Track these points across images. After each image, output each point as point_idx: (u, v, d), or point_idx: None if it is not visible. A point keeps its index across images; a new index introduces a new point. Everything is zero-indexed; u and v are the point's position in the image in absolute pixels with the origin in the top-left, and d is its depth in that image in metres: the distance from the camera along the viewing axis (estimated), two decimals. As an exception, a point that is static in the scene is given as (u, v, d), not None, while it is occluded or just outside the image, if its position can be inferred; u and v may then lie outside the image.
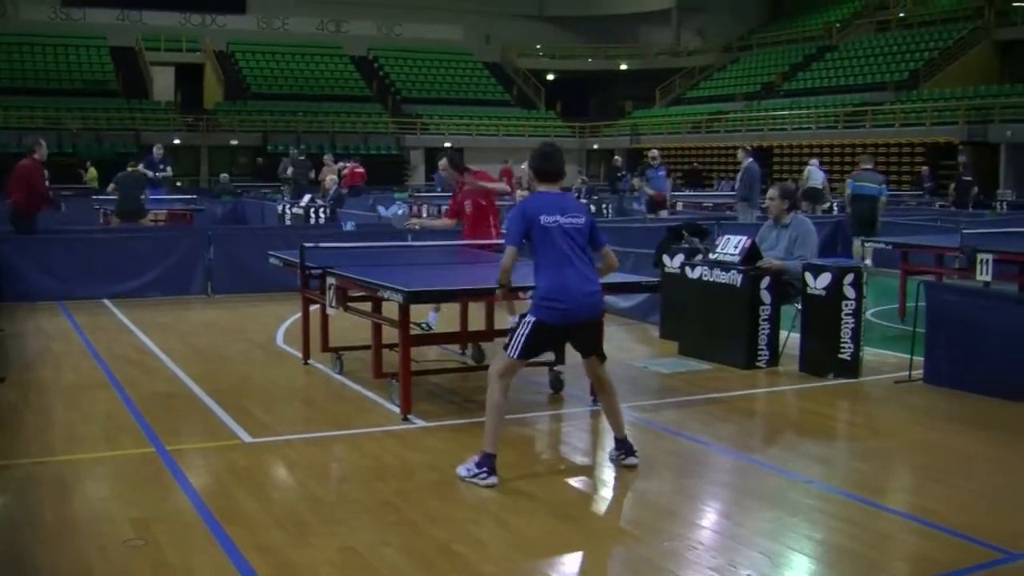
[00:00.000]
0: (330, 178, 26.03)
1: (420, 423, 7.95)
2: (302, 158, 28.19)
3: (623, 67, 57.25)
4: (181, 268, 15.07)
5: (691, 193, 33.13)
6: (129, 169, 20.89)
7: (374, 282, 8.14)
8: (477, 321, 10.50)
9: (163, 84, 50.27)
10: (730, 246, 10.38)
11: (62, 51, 47.35)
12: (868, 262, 14.08)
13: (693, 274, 10.59)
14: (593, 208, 16.90)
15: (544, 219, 6.60)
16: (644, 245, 12.98)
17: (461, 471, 6.56)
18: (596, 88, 59.71)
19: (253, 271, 14.42)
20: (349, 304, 9.00)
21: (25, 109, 41.84)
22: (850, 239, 18.15)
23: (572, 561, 5.47)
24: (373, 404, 8.55)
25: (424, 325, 11.03)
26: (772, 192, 10.77)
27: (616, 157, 39.59)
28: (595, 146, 52.55)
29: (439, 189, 29.73)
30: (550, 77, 58.53)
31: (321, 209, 21.38)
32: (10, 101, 42.24)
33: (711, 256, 10.58)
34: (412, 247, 12.53)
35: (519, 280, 7.21)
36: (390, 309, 8.28)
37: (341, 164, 29.92)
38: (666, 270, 11.21)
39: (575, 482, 6.86)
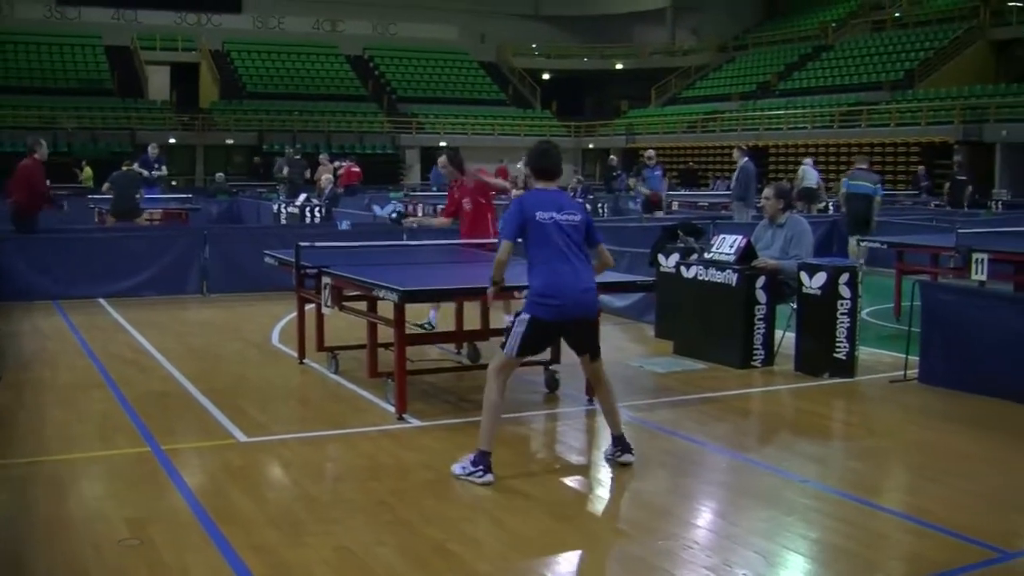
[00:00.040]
0: (325, 177, 26.04)
1: (415, 422, 7.94)
2: (298, 157, 28.16)
3: (618, 66, 57.26)
4: (177, 267, 15.05)
5: (686, 192, 33.13)
6: (124, 168, 20.87)
7: (369, 281, 8.13)
8: (473, 320, 10.51)
9: (158, 83, 50.25)
10: (725, 245, 10.39)
11: (57, 50, 47.29)
12: (861, 261, 14.07)
13: (688, 273, 10.59)
14: (589, 207, 16.85)
15: (540, 215, 6.61)
16: (639, 244, 12.98)
17: (456, 469, 6.56)
18: (592, 87, 59.73)
19: (249, 270, 14.40)
20: (344, 303, 8.99)
21: (20, 108, 41.76)
22: (845, 238, 18.14)
23: (567, 560, 5.47)
24: (368, 403, 8.55)
25: (427, 325, 11.04)
26: (767, 191, 10.78)
27: (611, 157, 39.65)
28: (591, 145, 52.55)
29: (434, 188, 29.71)
30: (545, 76, 58.55)
31: (317, 208, 21.36)
32: (5, 100, 42.16)
33: (706, 255, 10.59)
34: (408, 246, 12.52)
35: (513, 279, 7.21)
36: (385, 308, 8.27)
37: (338, 163, 29.93)
38: (661, 269, 11.22)
39: (570, 481, 6.85)
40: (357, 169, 30.57)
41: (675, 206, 26.17)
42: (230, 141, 45.93)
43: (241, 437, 7.55)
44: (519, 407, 8.36)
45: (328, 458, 7.32)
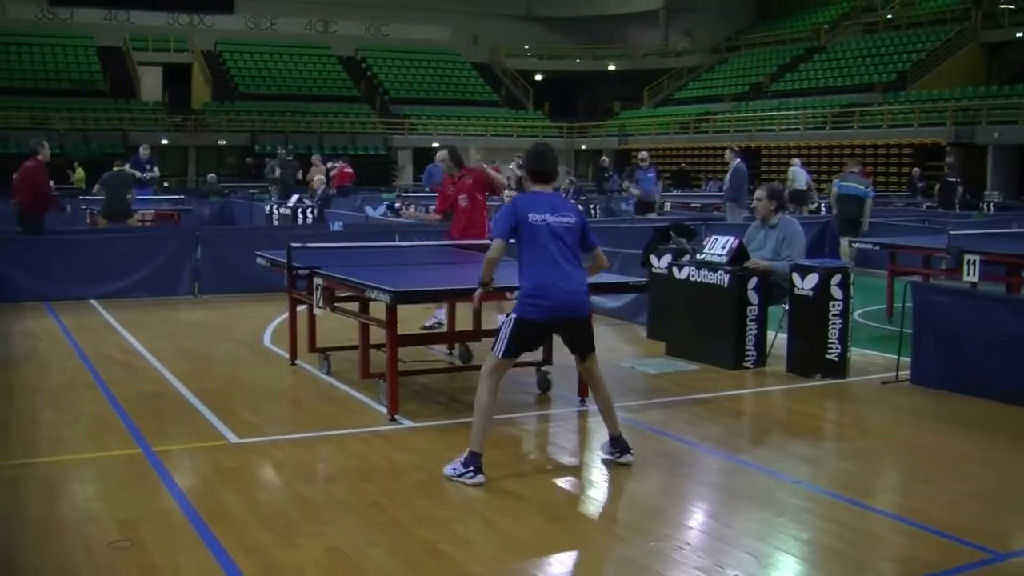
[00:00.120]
0: (318, 178, 25.98)
1: (407, 423, 7.94)
2: (290, 158, 28.14)
3: (611, 68, 57.31)
4: (168, 268, 15.01)
5: (679, 194, 33.17)
6: (115, 169, 20.82)
7: (361, 282, 8.12)
8: (465, 321, 10.51)
9: (151, 84, 50.18)
10: (717, 247, 10.39)
11: (49, 51, 47.23)
12: (851, 262, 14.12)
13: (681, 274, 10.59)
14: (581, 208, 16.94)
15: (533, 217, 6.63)
16: (632, 245, 12.98)
17: (448, 471, 6.56)
18: (584, 89, 59.78)
19: (240, 271, 14.37)
20: (336, 304, 8.98)
21: (12, 109, 41.68)
22: (837, 240, 18.21)
23: (559, 561, 5.47)
24: (360, 404, 8.54)
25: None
26: (760, 193, 10.78)
27: (603, 158, 39.59)
28: (583, 146, 52.60)
29: (427, 189, 29.68)
30: (538, 77, 58.56)
31: (309, 209, 21.35)
32: (-3, 101, 42.20)
33: (698, 256, 10.59)
34: (400, 247, 12.52)
35: (505, 280, 7.20)
36: (377, 309, 8.26)
37: (330, 164, 29.89)
38: (654, 270, 11.21)
39: (562, 482, 6.85)
40: (350, 170, 30.55)
41: (667, 207, 26.18)
42: (222, 142, 45.91)
43: (233, 438, 7.53)
44: (511, 408, 8.35)
45: (320, 459, 7.31)
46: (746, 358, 9.98)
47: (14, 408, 8.41)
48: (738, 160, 20.44)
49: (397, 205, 19.49)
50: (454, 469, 6.52)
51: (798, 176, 24.41)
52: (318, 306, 9.01)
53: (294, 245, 9.60)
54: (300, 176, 27.23)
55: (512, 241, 6.74)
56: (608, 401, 6.98)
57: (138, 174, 23.66)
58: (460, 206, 11.39)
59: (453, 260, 10.68)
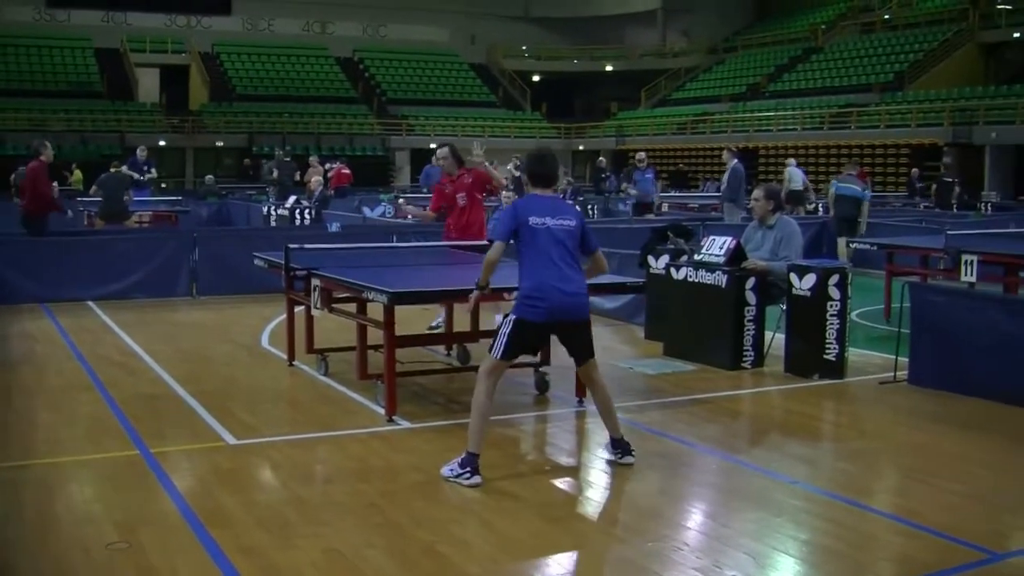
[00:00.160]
0: (315, 179, 26.00)
1: (405, 424, 7.94)
2: (287, 159, 28.14)
3: (609, 68, 57.30)
4: (166, 270, 15.00)
5: (676, 194, 33.18)
6: (112, 170, 20.82)
7: (359, 283, 8.12)
8: (463, 322, 10.50)
9: (148, 85, 50.15)
10: (715, 247, 10.39)
11: (46, 52, 47.21)
12: (849, 262, 14.13)
13: (678, 275, 10.59)
14: (579, 209, 16.96)
15: (533, 220, 6.65)
16: (629, 246, 12.98)
17: (445, 472, 6.56)
18: (581, 89, 59.72)
19: (238, 272, 14.36)
20: (334, 305, 8.98)
21: (9, 111, 41.66)
22: (835, 240, 18.24)
23: (557, 562, 5.46)
24: (358, 405, 8.53)
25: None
26: (757, 193, 10.78)
27: (600, 159, 39.63)
28: (580, 147, 52.59)
29: (425, 189, 29.69)
30: (536, 78, 58.56)
31: (306, 210, 21.35)
32: (-6, 103, 42.18)
33: (696, 257, 10.59)
34: (397, 248, 12.51)
35: (501, 281, 7.20)
36: (375, 310, 8.26)
37: (328, 165, 29.92)
38: (651, 271, 11.22)
39: (560, 483, 6.85)
40: (347, 171, 30.58)
41: (665, 208, 26.18)
42: (220, 143, 45.89)
43: (230, 439, 7.53)
44: (509, 409, 8.35)
45: (318, 460, 7.31)
46: (744, 358, 9.98)
47: (12, 410, 8.41)
48: (736, 160, 20.46)
49: (401, 200, 19.50)
50: (451, 470, 6.53)
51: (794, 176, 24.42)
52: (316, 307, 9.01)
53: (292, 246, 9.59)
54: (298, 177, 27.25)
55: (511, 243, 6.75)
56: (608, 403, 6.99)
57: (136, 176, 23.67)
58: (459, 204, 11.38)
59: (451, 261, 10.67)
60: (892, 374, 9.38)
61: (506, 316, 6.78)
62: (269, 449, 7.40)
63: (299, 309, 9.89)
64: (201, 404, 8.51)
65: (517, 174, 27.00)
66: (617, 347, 11.30)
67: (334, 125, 48.09)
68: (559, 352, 7.33)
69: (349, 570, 5.19)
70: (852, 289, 9.65)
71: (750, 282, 9.97)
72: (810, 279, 9.56)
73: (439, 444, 7.36)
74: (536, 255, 6.64)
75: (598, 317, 11.36)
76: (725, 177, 20.66)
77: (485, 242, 11.45)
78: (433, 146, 39.20)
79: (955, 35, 42.80)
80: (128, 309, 13.67)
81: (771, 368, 9.99)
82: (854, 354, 10.07)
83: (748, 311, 9.96)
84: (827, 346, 9.53)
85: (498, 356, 6.65)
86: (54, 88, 45.44)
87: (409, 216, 15.58)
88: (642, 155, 23.64)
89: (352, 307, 8.94)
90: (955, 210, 26.43)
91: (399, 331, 8.04)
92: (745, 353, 9.98)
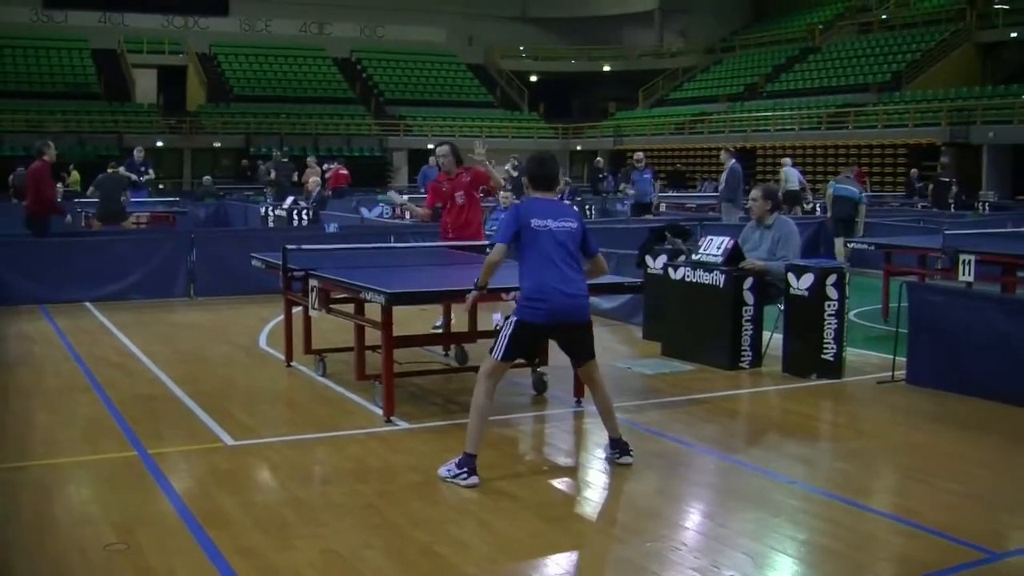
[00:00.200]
0: (313, 180, 26.03)
1: (403, 425, 7.93)
2: (285, 160, 28.14)
3: (606, 68, 57.29)
4: (163, 270, 15.00)
5: (674, 194, 33.20)
6: (109, 171, 20.81)
7: (356, 284, 8.11)
8: (461, 323, 10.50)
9: (145, 86, 50.09)
10: (713, 247, 10.39)
11: (43, 53, 47.16)
12: (847, 262, 14.17)
13: (676, 275, 10.59)
14: (576, 209, 16.95)
15: (535, 222, 6.68)
16: (627, 246, 12.98)
17: (442, 472, 6.57)
18: (579, 89, 59.75)
19: (236, 273, 14.34)
20: (332, 306, 8.97)
21: (6, 112, 41.66)
22: (832, 240, 18.28)
23: (555, 562, 5.45)
24: (356, 406, 8.53)
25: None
26: (755, 193, 10.78)
27: (598, 159, 39.64)
28: (578, 147, 52.58)
29: (422, 190, 29.70)
30: (533, 78, 58.55)
31: (304, 211, 21.34)
32: (-9, 104, 42.15)
33: (694, 257, 10.59)
34: (395, 249, 12.51)
35: (499, 281, 7.20)
36: (373, 311, 8.26)
37: (326, 166, 29.93)
38: (649, 271, 11.23)
39: (558, 483, 6.85)
40: (345, 172, 30.57)
41: (663, 208, 26.19)
42: (217, 144, 45.86)
43: (228, 440, 7.52)
44: (506, 409, 8.35)
45: (315, 461, 7.31)
46: (742, 358, 9.98)
47: (9, 411, 8.40)
48: (733, 160, 20.47)
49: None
50: (448, 470, 6.53)
51: (790, 176, 24.41)
52: (313, 308, 9.01)
53: (289, 247, 9.58)
54: (295, 178, 27.25)
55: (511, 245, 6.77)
56: (608, 403, 7.01)
57: (134, 177, 23.65)
58: (457, 203, 11.37)
59: (448, 262, 10.66)
60: (890, 374, 9.38)
61: (507, 318, 6.79)
62: (267, 450, 7.40)
63: (297, 310, 9.88)
64: (199, 405, 8.50)
65: (515, 174, 27.02)
66: (615, 347, 11.30)
67: (332, 126, 48.07)
68: (557, 352, 7.32)
69: (347, 571, 5.19)
70: (850, 289, 9.65)
71: (748, 282, 9.97)
72: (808, 279, 9.56)
73: (437, 445, 7.35)
74: (537, 257, 6.66)
75: (596, 317, 11.34)
76: (723, 177, 20.67)
77: (483, 242, 11.49)
78: (431, 146, 39.27)
79: (952, 35, 42.81)
80: (126, 310, 13.67)
81: (769, 368, 9.99)
82: (852, 354, 10.07)
83: (746, 311, 9.96)
84: (825, 346, 9.53)
85: (499, 357, 6.65)
86: (51, 89, 45.41)
87: (407, 215, 15.52)
88: (640, 155, 23.63)
89: (350, 308, 8.93)
90: (952, 210, 26.45)
91: (397, 332, 8.04)
92: (743, 353, 9.98)
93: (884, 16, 47.82)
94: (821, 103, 42.44)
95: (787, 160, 26.23)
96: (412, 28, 55.50)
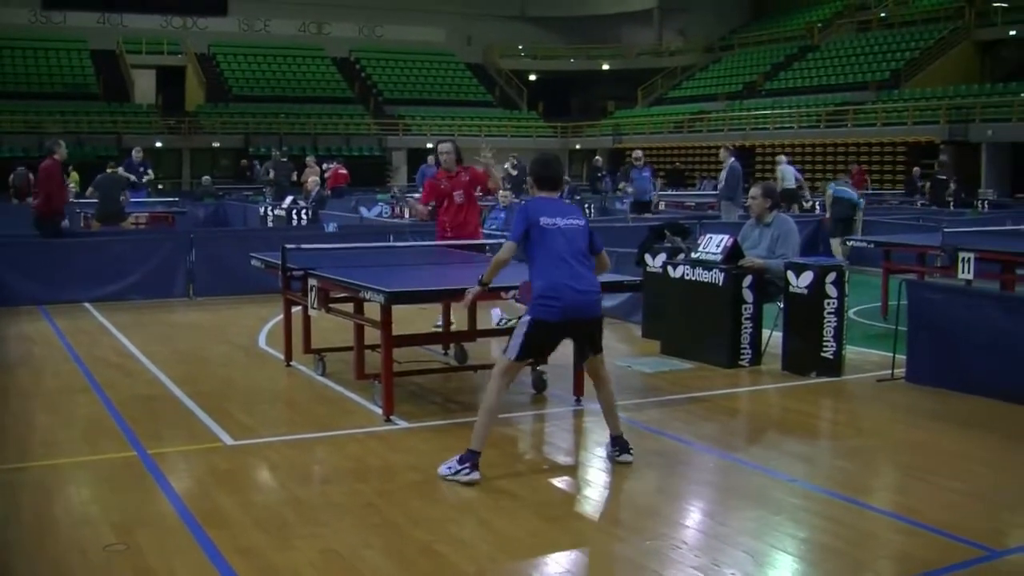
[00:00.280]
0: (312, 179, 26.02)
1: (402, 424, 7.93)
2: (284, 159, 28.13)
3: (605, 67, 57.26)
4: (163, 271, 14.99)
5: (673, 192, 33.19)
6: (108, 171, 20.79)
7: (356, 283, 8.11)
8: (460, 322, 10.50)
9: (144, 87, 50.08)
10: (712, 245, 10.38)
11: (42, 54, 47.15)
12: (846, 261, 14.23)
13: (675, 273, 10.59)
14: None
15: (544, 220, 6.72)
16: (626, 244, 12.97)
17: (443, 471, 6.56)
18: (578, 88, 59.74)
19: (235, 273, 14.34)
20: (331, 305, 8.97)
21: (5, 113, 41.65)
22: (828, 240, 18.35)
23: (555, 561, 5.45)
24: (355, 405, 8.53)
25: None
26: (754, 191, 10.78)
27: (597, 158, 39.63)
28: (577, 146, 52.54)
29: (420, 189, 29.72)
30: (532, 77, 58.52)
31: (303, 211, 21.33)
32: (-10, 105, 42.11)
33: (693, 255, 10.58)
34: (394, 248, 12.51)
35: (501, 280, 7.19)
36: (372, 310, 8.25)
37: (325, 165, 29.93)
38: (648, 269, 11.23)
39: (558, 482, 6.85)
40: (344, 171, 30.57)
41: (662, 206, 26.17)
42: (216, 144, 45.83)
43: (228, 440, 7.52)
44: (506, 408, 8.29)
45: (315, 460, 7.30)
46: (741, 356, 9.98)
47: (9, 412, 8.39)
48: (733, 159, 20.48)
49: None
50: (449, 468, 6.53)
51: (787, 174, 24.35)
52: (313, 307, 9.00)
53: (288, 246, 9.59)
54: (294, 177, 27.23)
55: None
56: (612, 401, 7.03)
57: (132, 178, 23.64)
58: (455, 202, 11.37)
59: (447, 261, 10.66)
60: (890, 372, 9.38)
61: (520, 318, 6.79)
62: (266, 450, 7.39)
63: (296, 309, 9.88)
64: (198, 405, 8.50)
65: (514, 173, 27.04)
66: (614, 345, 11.28)
67: (331, 125, 48.06)
68: (556, 351, 7.31)
69: (347, 570, 5.18)
70: (849, 287, 9.65)
71: (747, 280, 9.97)
72: (807, 277, 9.56)
73: (436, 444, 7.35)
74: (547, 255, 6.68)
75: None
76: (722, 175, 20.68)
77: (481, 241, 11.50)
78: (430, 145, 39.27)
79: (951, 33, 42.79)
80: (125, 310, 13.66)
81: (768, 366, 9.99)
82: (851, 352, 10.06)
83: (745, 309, 9.96)
84: (824, 344, 9.53)
85: (513, 356, 6.67)
86: (50, 90, 45.38)
87: (407, 212, 15.50)
88: (639, 153, 23.62)
89: (349, 307, 8.94)
90: (951, 207, 26.44)
91: (396, 331, 8.04)
92: (742, 351, 9.98)
93: (883, 14, 47.81)
94: (820, 101, 42.44)
95: (783, 158, 26.18)
96: (411, 28, 55.48)
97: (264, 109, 47.61)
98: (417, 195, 13.91)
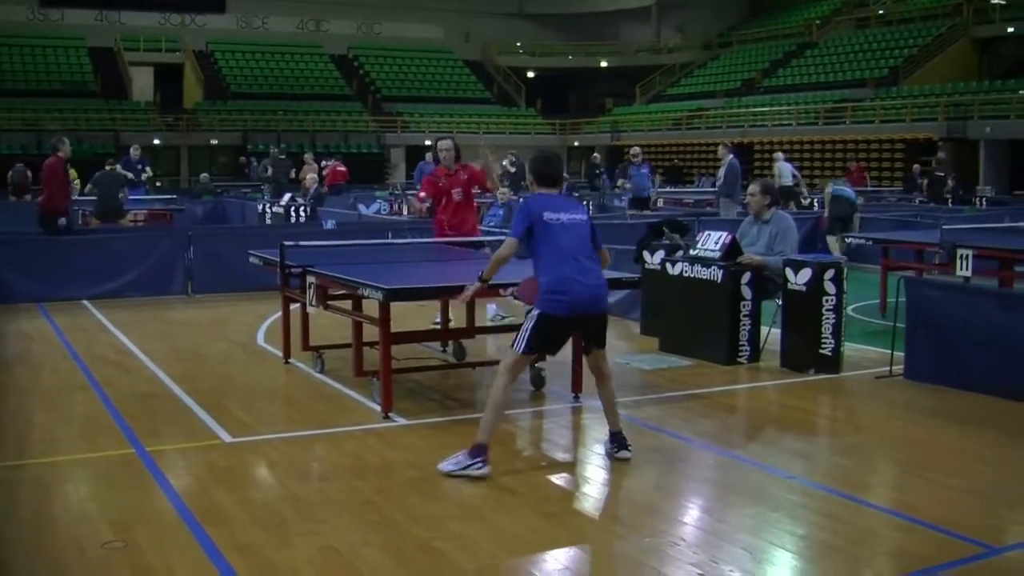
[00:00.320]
0: (311, 177, 25.97)
1: (401, 421, 7.93)
2: (282, 157, 28.10)
3: (603, 64, 57.23)
4: (161, 268, 14.97)
5: (672, 189, 33.18)
6: (107, 168, 20.78)
7: (354, 280, 8.11)
8: (459, 318, 10.50)
9: (142, 84, 50.07)
10: (710, 242, 10.38)
11: (40, 52, 47.10)
12: (844, 257, 14.27)
13: (674, 270, 10.59)
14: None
15: (548, 216, 6.74)
16: (625, 241, 12.96)
17: (448, 466, 6.55)
18: (576, 85, 59.70)
19: (233, 270, 14.34)
20: (329, 303, 8.97)
21: (3, 110, 41.61)
22: (825, 237, 18.37)
23: (554, 558, 5.45)
24: (354, 403, 8.53)
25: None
26: (753, 188, 10.78)
27: (595, 155, 39.59)
28: (575, 143, 52.51)
29: (419, 187, 29.71)
30: (530, 74, 58.49)
31: (302, 208, 21.31)
32: (-12, 102, 42.08)
33: (692, 252, 10.58)
34: (393, 245, 12.50)
35: (501, 277, 7.19)
36: (371, 307, 8.25)
37: (323, 163, 29.90)
38: (647, 266, 11.23)
39: (557, 479, 6.85)
40: (343, 168, 30.54)
41: (660, 203, 26.16)
42: (214, 141, 45.81)
43: (226, 438, 7.52)
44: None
45: (314, 458, 7.30)
46: (740, 353, 9.98)
47: (7, 410, 8.39)
48: (731, 156, 20.48)
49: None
50: (457, 462, 6.52)
51: (783, 171, 24.26)
52: (311, 304, 9.00)
53: (287, 244, 9.58)
54: (293, 175, 27.20)
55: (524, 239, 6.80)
56: (612, 397, 7.05)
57: (131, 175, 23.63)
58: (454, 200, 11.38)
59: (446, 257, 10.66)
60: (888, 368, 9.39)
61: (528, 312, 6.81)
62: (265, 447, 7.39)
63: (295, 306, 9.88)
64: (197, 402, 8.50)
65: (512, 170, 27.03)
66: (613, 342, 11.18)
67: (329, 123, 48.04)
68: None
69: (345, 567, 5.18)
70: (847, 284, 9.65)
71: (746, 277, 9.97)
72: (805, 274, 9.56)
73: (435, 441, 7.35)
74: (552, 250, 6.70)
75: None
76: (721, 172, 20.68)
77: (479, 238, 11.51)
78: (428, 142, 39.23)
79: (949, 30, 42.78)
80: (123, 308, 13.65)
81: (767, 363, 10.00)
82: (850, 349, 10.06)
83: (744, 306, 9.96)
84: (823, 341, 9.53)
85: (520, 350, 6.70)
86: (48, 87, 45.38)
87: (406, 209, 15.49)
88: (637, 150, 23.62)
89: (348, 304, 8.94)
90: (949, 204, 26.45)
91: (395, 328, 8.04)
92: (741, 348, 9.99)
93: (881, 11, 47.78)
94: (818, 98, 42.43)
95: (779, 155, 26.09)
96: (409, 25, 55.46)
97: (262, 106, 47.60)
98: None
